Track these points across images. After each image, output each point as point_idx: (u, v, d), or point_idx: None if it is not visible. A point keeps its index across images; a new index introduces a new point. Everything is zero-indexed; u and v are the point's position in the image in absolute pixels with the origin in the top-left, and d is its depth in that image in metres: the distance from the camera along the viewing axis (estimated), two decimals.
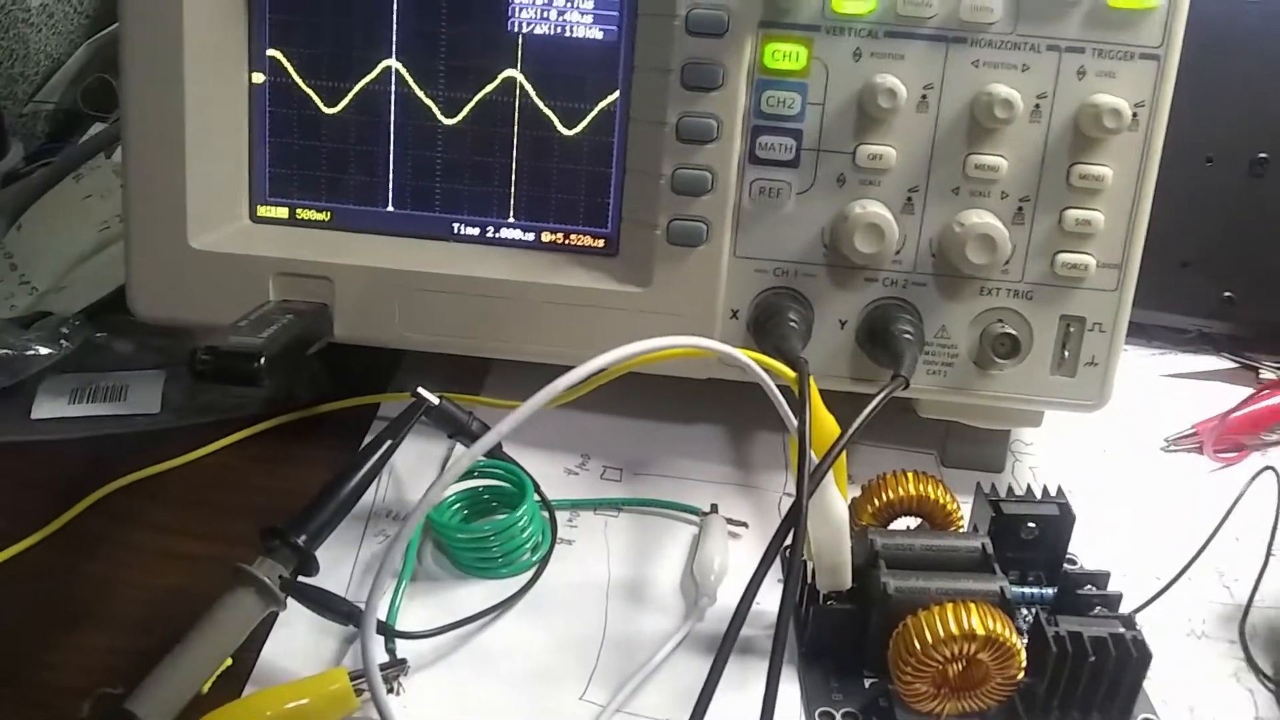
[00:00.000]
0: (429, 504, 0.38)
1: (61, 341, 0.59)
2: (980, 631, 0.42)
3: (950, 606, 0.43)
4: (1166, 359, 0.72)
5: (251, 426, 0.60)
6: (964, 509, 0.51)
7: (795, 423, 0.43)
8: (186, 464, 0.58)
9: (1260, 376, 0.71)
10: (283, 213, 0.58)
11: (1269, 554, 0.53)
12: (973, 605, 0.43)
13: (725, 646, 0.40)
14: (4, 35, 0.76)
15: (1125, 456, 0.62)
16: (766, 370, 0.44)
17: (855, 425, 0.44)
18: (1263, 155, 0.69)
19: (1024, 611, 0.48)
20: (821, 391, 0.46)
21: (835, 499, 0.45)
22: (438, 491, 0.39)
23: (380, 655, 0.45)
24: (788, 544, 0.41)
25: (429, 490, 0.39)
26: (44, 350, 0.59)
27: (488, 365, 0.63)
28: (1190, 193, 0.69)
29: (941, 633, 0.42)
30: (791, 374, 0.45)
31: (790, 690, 0.46)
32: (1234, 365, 0.72)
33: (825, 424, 0.45)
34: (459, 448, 0.57)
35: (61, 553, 0.52)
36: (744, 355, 0.42)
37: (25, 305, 0.67)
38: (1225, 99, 0.68)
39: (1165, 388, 0.69)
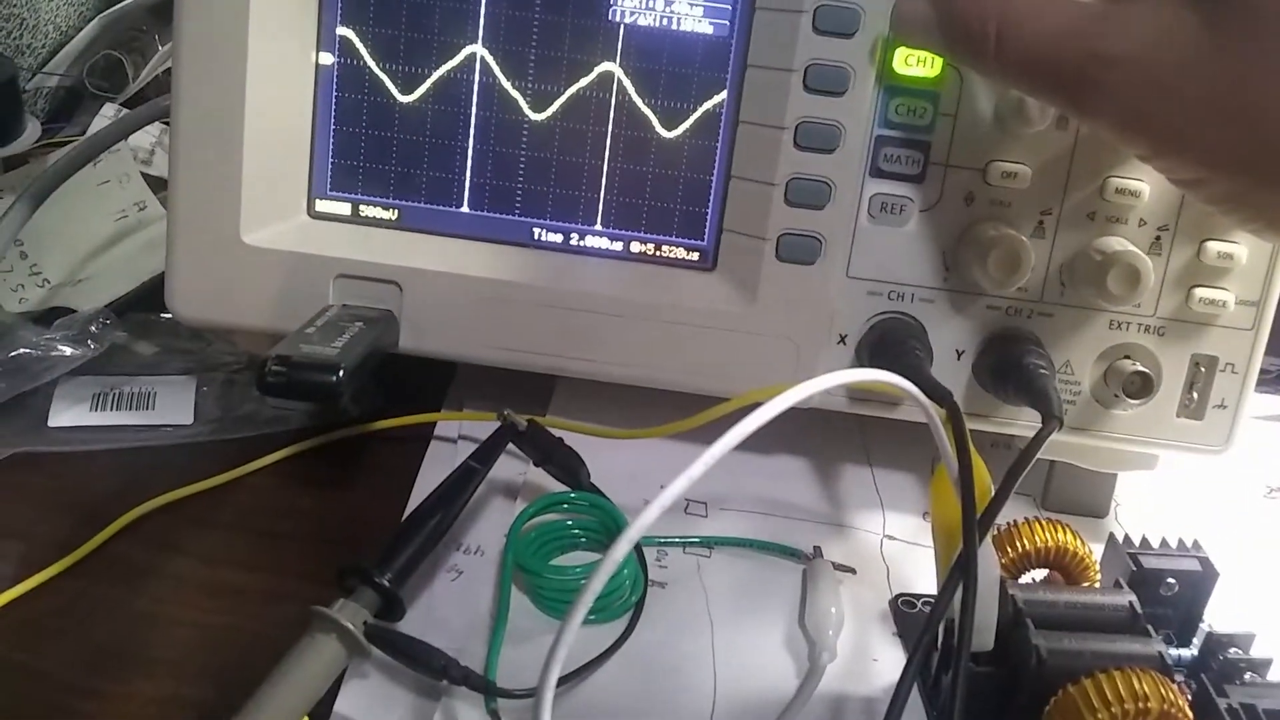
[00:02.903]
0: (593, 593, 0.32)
1: (89, 342, 0.53)
2: (1154, 703, 0.38)
3: (1119, 674, 0.39)
4: None
5: (294, 444, 0.54)
6: None
7: (956, 467, 0.39)
8: (227, 483, 0.52)
9: None
10: (344, 209, 0.53)
11: None
12: (1140, 673, 0.39)
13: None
14: (15, 1, 0.69)
15: (1228, 503, 0.59)
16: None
17: (1018, 475, 0.40)
18: None
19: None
20: None
21: (989, 553, 0.40)
22: (596, 586, 0.32)
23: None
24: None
25: (595, 576, 0.33)
26: (69, 350, 0.52)
27: (551, 382, 0.58)
28: None
29: (1115, 704, 0.38)
30: (942, 412, 0.41)
31: None
32: None
33: (977, 470, 0.41)
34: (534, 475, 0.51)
35: (93, 583, 0.46)
36: (931, 405, 0.38)
37: (37, 299, 0.60)
38: None
39: (1250, 430, 0.66)
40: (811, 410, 0.52)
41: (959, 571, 0.37)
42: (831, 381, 0.34)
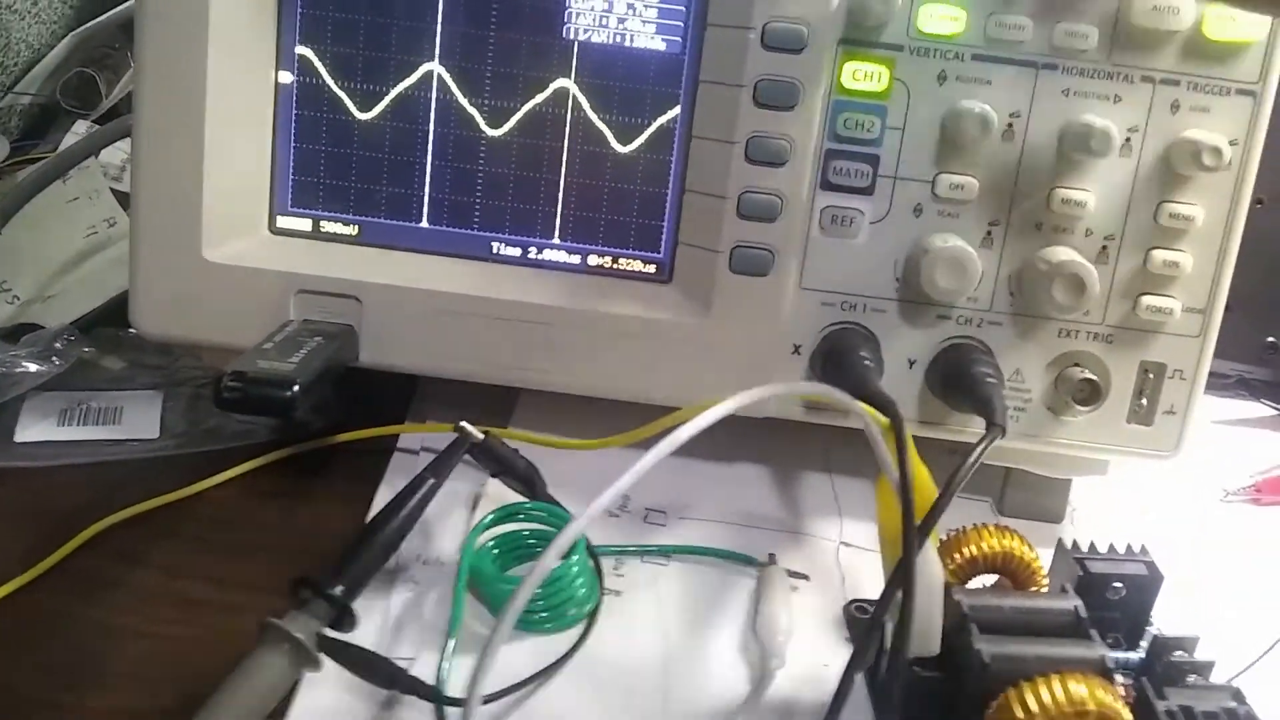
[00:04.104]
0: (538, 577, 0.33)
1: (54, 359, 0.54)
2: (1092, 706, 0.39)
3: (1058, 679, 0.39)
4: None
5: (259, 457, 0.55)
6: None
7: (896, 476, 0.39)
8: (190, 497, 0.52)
9: None
10: (305, 225, 0.53)
11: None
12: (1080, 676, 0.40)
13: None
14: None
15: (1184, 507, 0.59)
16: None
17: (958, 482, 0.40)
18: None
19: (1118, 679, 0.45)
20: None
21: (933, 558, 0.41)
22: (526, 594, 0.33)
23: None
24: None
25: (530, 575, 0.33)
26: (34, 367, 0.53)
27: (515, 394, 0.59)
28: None
29: (1052, 708, 0.39)
30: (884, 420, 0.41)
31: None
32: (1274, 413, 0.70)
33: (920, 477, 0.41)
34: (492, 485, 0.52)
35: (55, 595, 0.47)
36: (866, 411, 0.38)
37: (6, 316, 0.61)
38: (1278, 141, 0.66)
39: (1209, 435, 0.67)
40: (772, 420, 0.53)
41: (897, 579, 0.38)
42: (767, 393, 0.35)
